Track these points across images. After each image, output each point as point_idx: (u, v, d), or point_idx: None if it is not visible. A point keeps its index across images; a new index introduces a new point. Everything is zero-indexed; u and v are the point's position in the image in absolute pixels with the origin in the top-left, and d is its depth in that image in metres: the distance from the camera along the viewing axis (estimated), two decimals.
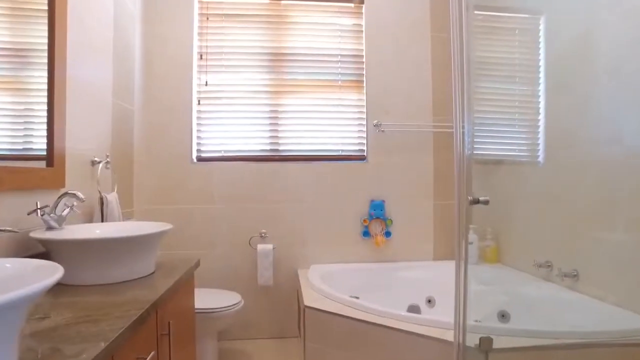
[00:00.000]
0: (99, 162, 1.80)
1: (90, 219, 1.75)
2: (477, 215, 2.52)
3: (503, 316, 2.13)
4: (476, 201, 1.23)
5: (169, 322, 1.20)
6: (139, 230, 1.39)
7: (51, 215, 1.32)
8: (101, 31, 1.91)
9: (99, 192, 1.76)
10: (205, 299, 2.09)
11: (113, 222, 1.68)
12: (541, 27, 2.37)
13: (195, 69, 2.61)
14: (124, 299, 1.06)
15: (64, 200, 1.37)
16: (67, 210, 1.39)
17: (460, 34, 1.39)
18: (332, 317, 1.80)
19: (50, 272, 0.69)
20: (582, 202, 1.88)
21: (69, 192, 1.36)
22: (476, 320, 1.58)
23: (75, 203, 1.41)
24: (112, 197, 1.79)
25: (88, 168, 1.77)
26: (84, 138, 1.74)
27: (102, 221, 1.74)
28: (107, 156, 1.89)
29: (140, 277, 1.30)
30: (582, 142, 1.92)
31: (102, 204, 1.75)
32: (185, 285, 1.45)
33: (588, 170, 1.85)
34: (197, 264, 1.59)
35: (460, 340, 1.31)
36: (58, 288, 1.15)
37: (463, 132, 1.31)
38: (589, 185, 1.84)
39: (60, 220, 1.35)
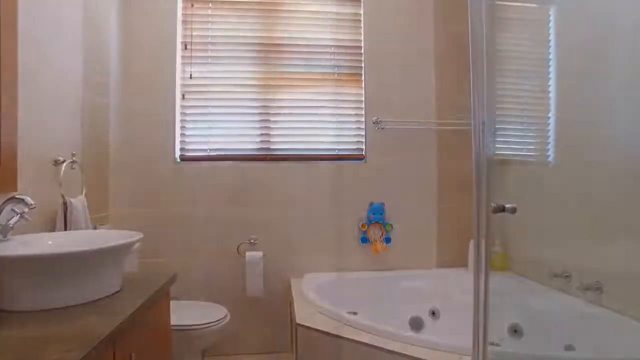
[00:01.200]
0: (63, 162, 1.58)
1: (52, 227, 1.54)
2: None
3: (515, 331, 1.95)
4: (501, 209, 1.04)
5: (131, 355, 0.99)
6: (101, 241, 1.17)
7: None
8: (68, 14, 1.69)
9: (62, 196, 1.54)
10: (187, 313, 1.88)
11: (72, 232, 1.47)
12: (551, 17, 2.21)
13: (179, 60, 2.40)
14: (71, 331, 0.85)
15: (9, 206, 1.15)
16: (16, 218, 1.18)
17: (480, 23, 1.21)
18: (327, 336, 1.59)
19: None
20: (606, 206, 1.69)
21: (16, 196, 1.15)
22: (493, 343, 1.38)
23: (26, 210, 1.19)
24: (77, 202, 1.58)
25: (50, 169, 1.55)
26: (45, 134, 1.52)
27: (66, 229, 1.52)
28: (73, 155, 1.67)
29: (101, 298, 1.08)
30: (603, 141, 1.73)
31: (65, 209, 1.53)
32: (158, 305, 1.24)
33: (613, 171, 1.67)
34: (174, 279, 1.38)
35: None
36: None
37: (483, 131, 1.12)
38: (614, 187, 1.66)
39: (5, 231, 1.14)
